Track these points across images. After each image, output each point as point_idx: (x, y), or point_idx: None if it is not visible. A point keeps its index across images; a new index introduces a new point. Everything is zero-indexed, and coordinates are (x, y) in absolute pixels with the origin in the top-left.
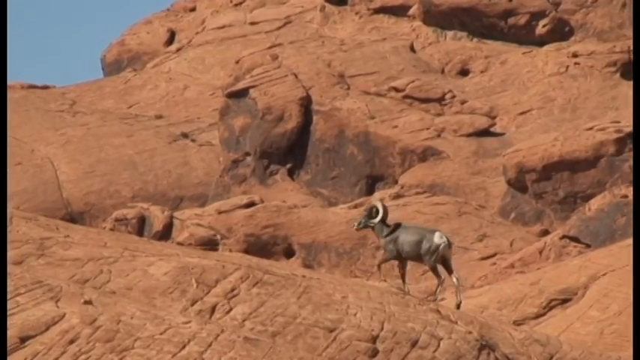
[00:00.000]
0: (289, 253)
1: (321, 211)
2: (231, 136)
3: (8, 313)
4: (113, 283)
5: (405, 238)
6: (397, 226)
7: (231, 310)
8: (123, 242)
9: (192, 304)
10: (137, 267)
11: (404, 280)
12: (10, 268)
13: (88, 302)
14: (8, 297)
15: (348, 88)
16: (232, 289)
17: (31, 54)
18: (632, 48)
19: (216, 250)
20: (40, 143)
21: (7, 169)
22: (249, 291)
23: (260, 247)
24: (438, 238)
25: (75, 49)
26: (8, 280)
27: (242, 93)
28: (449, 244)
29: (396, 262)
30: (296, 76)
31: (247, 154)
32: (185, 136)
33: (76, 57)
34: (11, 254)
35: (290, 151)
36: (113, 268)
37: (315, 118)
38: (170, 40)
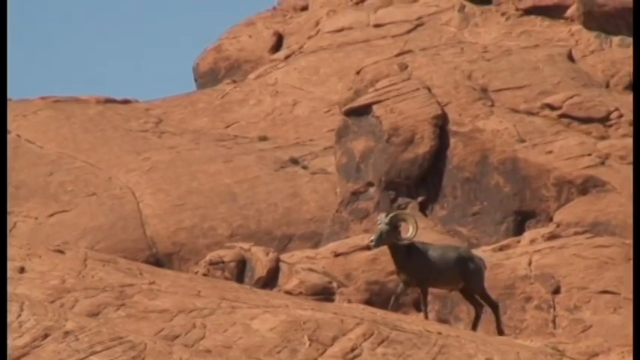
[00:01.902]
0: (420, 305)
1: None
2: (351, 162)
3: None
4: (208, 340)
5: (439, 259)
6: (414, 246)
7: None
8: (220, 291)
9: None
10: (237, 321)
11: (426, 312)
12: (83, 321)
13: None
14: (82, 355)
15: (493, 105)
16: (353, 349)
17: (108, 62)
18: None
19: (332, 300)
20: (119, 170)
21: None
22: (373, 351)
23: (386, 297)
24: (479, 258)
25: (162, 56)
26: (81, 335)
27: (364, 110)
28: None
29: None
30: (429, 89)
31: (370, 184)
32: (294, 162)
33: (163, 66)
34: (85, 304)
35: (422, 181)
36: (208, 321)
37: (452, 140)
38: (277, 46)
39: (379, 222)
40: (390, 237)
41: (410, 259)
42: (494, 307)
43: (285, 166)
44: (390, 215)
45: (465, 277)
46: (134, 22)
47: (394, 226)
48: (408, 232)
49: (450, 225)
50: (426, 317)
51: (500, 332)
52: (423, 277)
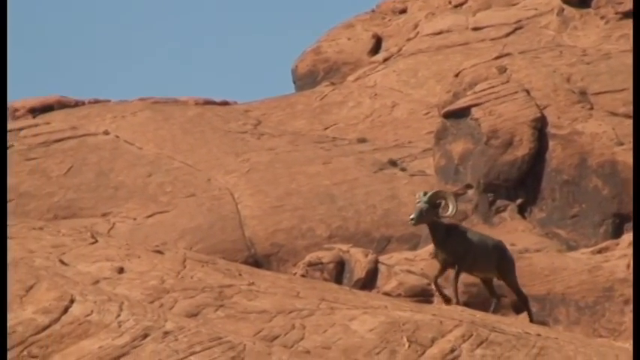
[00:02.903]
0: (519, 307)
1: (558, 256)
2: (449, 164)
3: None
4: (308, 340)
5: (478, 244)
6: (454, 226)
7: None
8: (319, 292)
9: None
10: (337, 322)
11: (457, 295)
12: (182, 322)
13: None
14: (181, 355)
15: (592, 108)
16: (452, 350)
17: (207, 64)
18: None
19: (430, 302)
20: (218, 171)
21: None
22: (472, 352)
23: (484, 299)
24: (508, 250)
25: (260, 58)
26: (180, 336)
27: (462, 112)
28: None
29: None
30: (528, 92)
31: (469, 186)
32: (393, 163)
33: (261, 68)
34: (184, 305)
35: (521, 184)
36: (307, 322)
37: (551, 143)
38: (376, 48)
39: (418, 200)
40: (429, 215)
41: (449, 238)
42: (525, 301)
43: (383, 168)
44: (430, 193)
45: (500, 266)
46: (233, 25)
47: (434, 205)
48: (448, 210)
49: (549, 227)
50: (458, 302)
51: (531, 321)
52: (460, 257)
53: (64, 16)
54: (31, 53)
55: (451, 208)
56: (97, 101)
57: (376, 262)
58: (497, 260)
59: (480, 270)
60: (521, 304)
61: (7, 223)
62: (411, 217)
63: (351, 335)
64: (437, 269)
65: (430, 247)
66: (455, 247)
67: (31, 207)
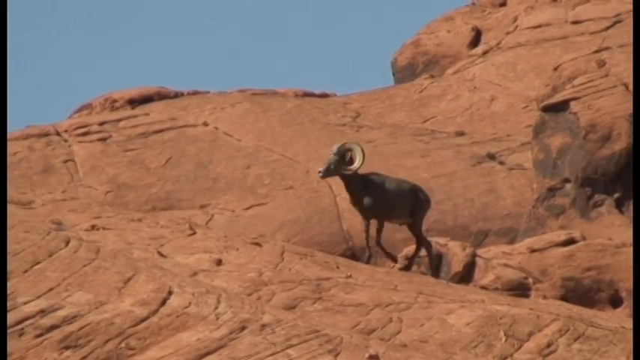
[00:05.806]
0: (616, 302)
1: None
2: (548, 158)
3: None
4: (404, 334)
5: (395, 191)
6: (367, 176)
7: None
8: (416, 285)
9: None
10: (434, 315)
11: (387, 252)
12: (280, 314)
13: (374, 357)
14: (278, 348)
15: None
16: (548, 345)
17: (306, 56)
18: None
19: (527, 296)
20: (317, 163)
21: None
22: (569, 347)
23: (581, 293)
24: (427, 194)
25: (359, 50)
26: (278, 328)
27: (561, 106)
28: None
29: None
30: (627, 86)
31: (566, 180)
32: (492, 157)
33: (360, 60)
34: (282, 297)
35: (618, 178)
36: (405, 316)
37: None
38: (475, 41)
39: (331, 153)
40: (337, 168)
41: (366, 190)
42: (429, 245)
43: (482, 162)
44: (337, 146)
45: (414, 209)
46: (334, 17)
47: (342, 157)
48: (354, 163)
49: None
50: (372, 250)
51: (434, 273)
52: (377, 207)
53: (165, 7)
54: (131, 44)
55: (357, 161)
56: (196, 92)
57: (474, 255)
58: (412, 204)
59: (397, 217)
60: (420, 248)
61: (7, 224)
62: (319, 169)
63: (448, 329)
64: (364, 224)
65: (528, 241)
66: (372, 197)
67: (130, 198)
